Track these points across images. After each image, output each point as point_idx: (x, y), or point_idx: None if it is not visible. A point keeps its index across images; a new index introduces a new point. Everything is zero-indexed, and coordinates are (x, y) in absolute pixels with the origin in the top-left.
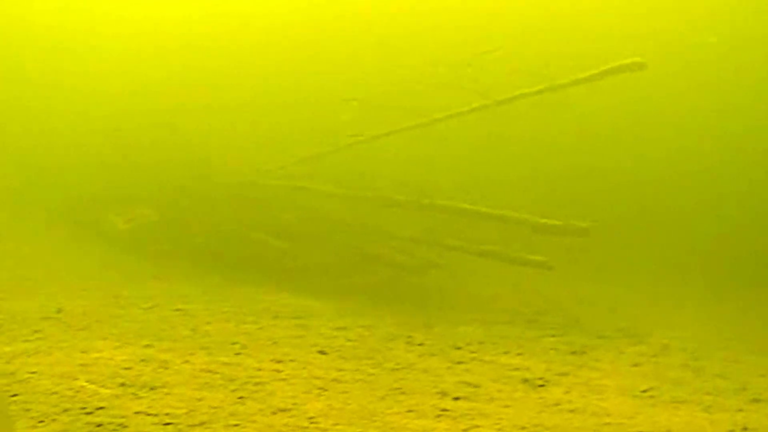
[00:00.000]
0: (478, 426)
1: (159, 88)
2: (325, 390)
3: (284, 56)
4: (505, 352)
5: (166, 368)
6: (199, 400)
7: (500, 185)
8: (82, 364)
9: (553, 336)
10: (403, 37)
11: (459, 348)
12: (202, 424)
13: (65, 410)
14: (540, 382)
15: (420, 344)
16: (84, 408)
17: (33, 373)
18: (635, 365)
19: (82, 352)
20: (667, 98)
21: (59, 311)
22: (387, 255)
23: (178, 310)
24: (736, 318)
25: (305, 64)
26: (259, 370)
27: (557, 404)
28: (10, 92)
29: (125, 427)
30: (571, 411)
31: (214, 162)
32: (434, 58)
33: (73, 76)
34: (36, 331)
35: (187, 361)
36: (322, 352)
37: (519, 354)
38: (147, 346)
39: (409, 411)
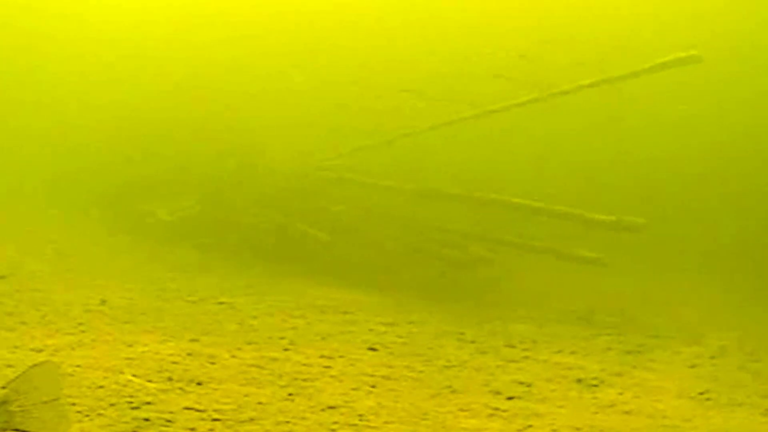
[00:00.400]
0: (531, 426)
1: (209, 76)
2: (375, 387)
3: (339, 45)
4: (559, 351)
5: (213, 363)
6: (247, 396)
7: (553, 179)
8: (127, 358)
9: (608, 335)
10: (459, 28)
11: (511, 346)
12: (251, 420)
13: (112, 404)
14: (594, 382)
15: (472, 342)
16: (131, 402)
17: (78, 366)
18: (692, 366)
19: (128, 345)
20: (723, 92)
21: (103, 303)
22: (437, 249)
23: (223, 303)
24: None
25: (360, 54)
26: (308, 365)
27: (612, 405)
28: (55, 82)
29: (172, 422)
30: (626, 412)
31: (263, 152)
32: (489, 49)
33: (121, 65)
34: (80, 324)
35: (234, 356)
36: (371, 349)
37: (572, 353)
38: (193, 340)
39: (461, 410)
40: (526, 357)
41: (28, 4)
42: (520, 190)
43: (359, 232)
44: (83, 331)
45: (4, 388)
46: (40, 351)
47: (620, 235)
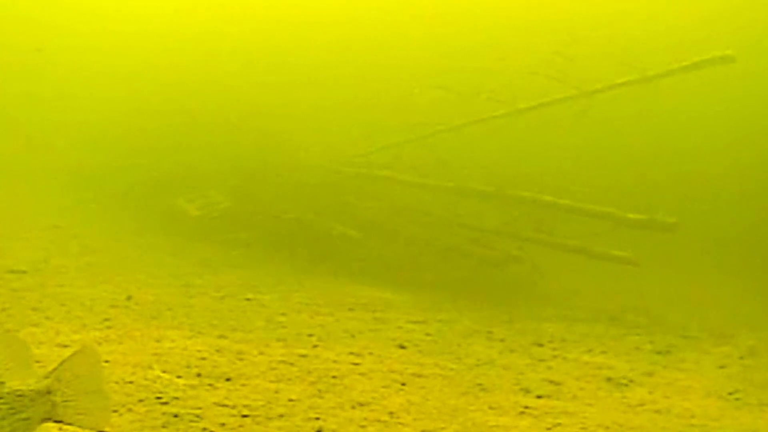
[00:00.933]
0: (560, 424)
1: (240, 71)
2: (405, 385)
3: (375, 41)
4: (588, 351)
5: (242, 359)
6: (277, 392)
7: (585, 177)
8: (155, 354)
9: (637, 335)
10: (495, 25)
11: (541, 345)
12: (280, 416)
13: (141, 400)
14: (624, 382)
15: (501, 340)
16: (160, 398)
17: (106, 362)
18: (721, 367)
19: (155, 341)
20: (757, 92)
21: (129, 299)
22: (467, 247)
23: (250, 299)
24: None
25: (396, 51)
26: (337, 363)
27: (641, 404)
28: (83, 76)
29: (202, 417)
30: (656, 411)
31: (293, 148)
32: (525, 46)
33: (151, 60)
34: (105, 320)
35: (262, 353)
36: (401, 347)
37: (602, 352)
38: (221, 336)
39: (491, 408)
40: (556, 356)
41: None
42: (552, 188)
43: (389, 229)
44: (109, 327)
45: (47, 377)
46: (66, 346)
47: (652, 235)
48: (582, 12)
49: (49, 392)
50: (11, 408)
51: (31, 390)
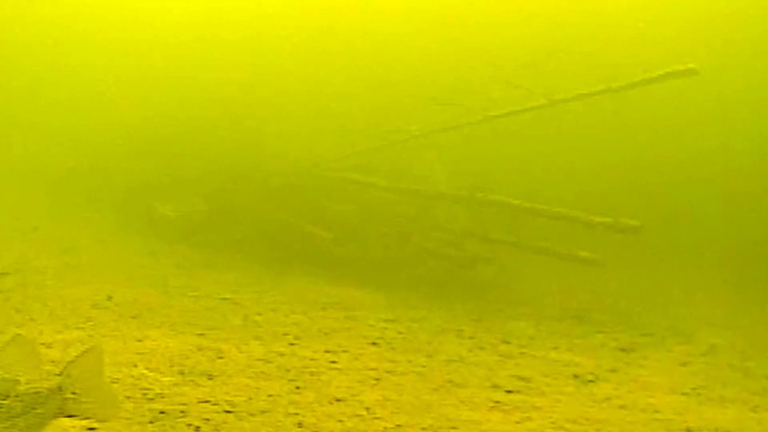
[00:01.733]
0: (530, 418)
1: (215, 77)
2: (379, 381)
3: (348, 50)
4: (555, 348)
5: (222, 357)
6: (257, 389)
7: (553, 182)
8: (138, 353)
9: (602, 333)
10: (467, 36)
11: (509, 343)
12: (262, 412)
13: (128, 397)
14: (590, 378)
15: (470, 338)
16: (146, 395)
17: None
18: (683, 364)
19: (137, 340)
20: (717, 102)
21: (110, 299)
22: (437, 249)
23: (227, 299)
24: None
25: (369, 59)
26: (314, 360)
27: (607, 399)
28: (63, 81)
29: (187, 414)
30: (621, 406)
31: (268, 151)
32: (497, 56)
33: (129, 65)
34: (88, 319)
35: (241, 351)
36: (373, 344)
37: (569, 350)
38: (200, 335)
39: (463, 403)
40: (523, 353)
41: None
42: (521, 192)
43: (362, 231)
44: (92, 327)
45: (59, 375)
46: (50, 346)
47: (617, 237)
48: (552, 26)
49: (60, 389)
50: (27, 405)
51: (45, 387)
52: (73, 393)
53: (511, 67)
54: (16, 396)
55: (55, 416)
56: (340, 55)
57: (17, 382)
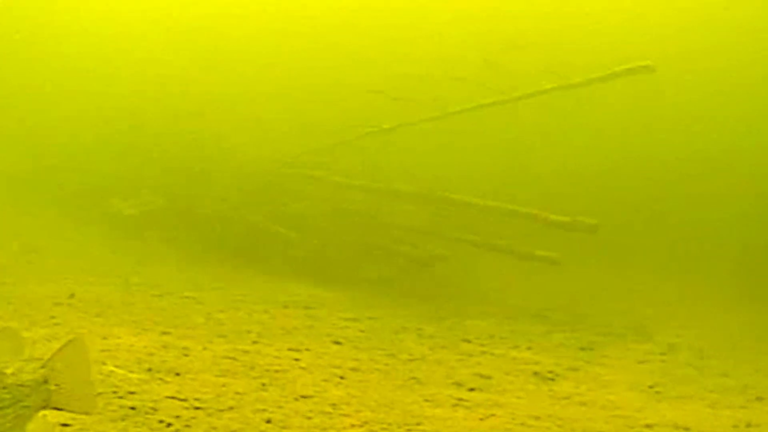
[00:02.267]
0: (493, 415)
1: (177, 74)
2: (344, 378)
3: (306, 46)
4: (515, 347)
5: (187, 355)
6: (224, 386)
7: (511, 180)
8: (104, 350)
9: (562, 332)
10: (424, 32)
11: (469, 341)
12: (230, 408)
13: (98, 394)
14: (550, 376)
15: (431, 336)
16: (116, 392)
17: None
18: (642, 362)
19: (102, 338)
20: (674, 100)
21: (72, 296)
22: (396, 247)
23: (188, 297)
24: (743, 318)
25: (327, 55)
26: (278, 358)
27: (568, 397)
28: (21, 78)
29: (157, 410)
30: (582, 404)
31: (228, 148)
32: (453, 52)
33: (88, 62)
34: (52, 317)
35: (206, 348)
36: (336, 342)
37: (528, 348)
38: (164, 333)
39: (426, 400)
40: (484, 352)
41: None
42: (479, 190)
43: (321, 228)
44: (57, 324)
45: (42, 367)
46: None
47: (575, 236)
48: (509, 21)
49: (45, 381)
50: (14, 397)
51: (31, 380)
52: (57, 385)
53: (468, 63)
54: (4, 388)
55: (41, 408)
56: (298, 53)
57: (4, 374)
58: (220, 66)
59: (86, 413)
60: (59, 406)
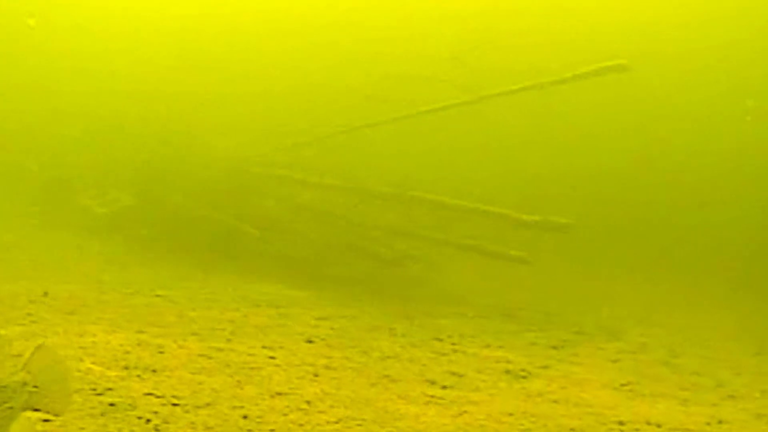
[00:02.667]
0: (467, 412)
1: (146, 72)
2: (318, 376)
3: (270, 46)
4: (486, 345)
5: (162, 352)
6: (200, 383)
7: (481, 180)
8: (81, 347)
9: (532, 331)
10: (391, 30)
11: (441, 340)
12: (207, 405)
13: (77, 391)
14: (522, 374)
15: (403, 335)
16: (94, 389)
17: None
18: (614, 361)
19: (78, 335)
20: (647, 99)
21: (46, 295)
22: (366, 246)
23: (160, 296)
24: (713, 318)
25: (296, 55)
26: (252, 356)
27: (540, 395)
28: None
29: (136, 407)
30: (554, 401)
31: (196, 147)
32: (423, 51)
33: (60, 60)
34: (28, 315)
35: (181, 346)
36: (309, 341)
37: (500, 347)
38: (139, 331)
39: (400, 397)
40: (456, 350)
41: None
42: (448, 189)
43: (290, 228)
44: (33, 322)
45: (22, 370)
46: None
47: (546, 235)
48: (479, 20)
49: (25, 383)
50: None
51: (13, 382)
52: (35, 387)
53: (438, 62)
54: None
55: (23, 410)
56: (266, 51)
57: None
58: (190, 66)
59: (62, 413)
60: (37, 407)
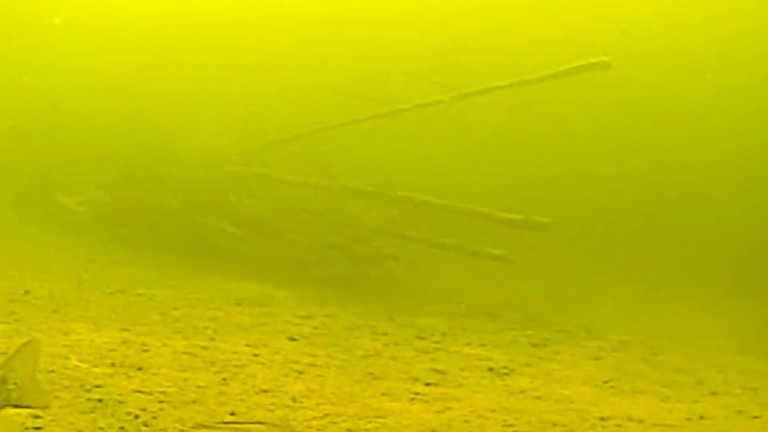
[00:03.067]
0: (451, 408)
1: (123, 71)
2: (302, 373)
3: (249, 43)
4: (468, 344)
5: (147, 350)
6: (186, 380)
7: (463, 178)
8: (66, 345)
9: (513, 329)
10: (372, 26)
11: (423, 338)
12: (194, 402)
13: (65, 387)
14: (504, 371)
15: (384, 334)
16: (82, 385)
17: None
18: (595, 359)
19: (63, 333)
20: (629, 97)
21: (27, 293)
22: (346, 245)
23: (141, 294)
24: (693, 316)
25: (276, 51)
26: (236, 353)
27: (523, 392)
28: None
29: (124, 403)
30: (537, 398)
31: (174, 145)
32: (403, 47)
33: (37, 58)
34: (12, 313)
35: (165, 345)
36: (291, 339)
37: (481, 345)
38: (123, 329)
39: (384, 394)
40: (438, 348)
41: None
42: (429, 187)
43: (269, 226)
44: (17, 320)
45: (2, 368)
46: None
47: (527, 234)
48: (461, 16)
49: (4, 381)
50: None
51: None
52: (14, 384)
53: (419, 58)
54: None
55: (3, 407)
56: (245, 48)
57: None
58: (168, 63)
59: (44, 407)
60: (18, 403)
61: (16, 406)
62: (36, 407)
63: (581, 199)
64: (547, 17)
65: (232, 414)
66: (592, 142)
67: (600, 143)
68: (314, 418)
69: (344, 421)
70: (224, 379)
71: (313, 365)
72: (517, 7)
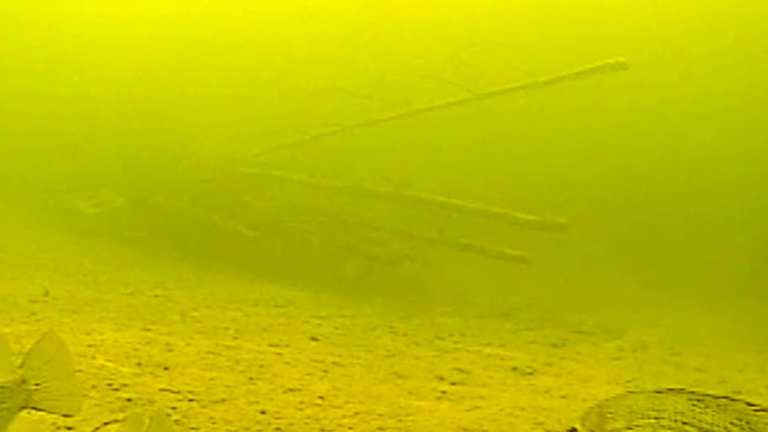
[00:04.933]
0: (479, 407)
1: (138, 74)
2: (327, 372)
3: (265, 45)
4: (488, 344)
5: (171, 350)
6: (213, 379)
7: (480, 178)
8: (90, 345)
9: (531, 330)
10: (389, 28)
11: (442, 338)
12: (223, 401)
13: (93, 386)
14: (528, 371)
15: (404, 334)
16: (110, 384)
17: None
18: (616, 359)
19: (86, 333)
20: (648, 98)
21: (46, 294)
22: (362, 246)
23: (159, 296)
24: (710, 316)
25: (293, 52)
26: (260, 353)
27: (548, 390)
28: None
29: (153, 402)
30: (563, 396)
31: (189, 147)
32: (421, 49)
33: (53, 61)
34: (32, 314)
35: (189, 344)
36: (313, 339)
37: (501, 345)
38: (145, 329)
39: (411, 393)
40: (458, 348)
41: None
42: (447, 188)
43: (285, 228)
44: (38, 320)
45: (20, 367)
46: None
47: (544, 235)
48: (478, 18)
49: (23, 382)
50: None
51: (9, 381)
52: (37, 384)
53: (436, 60)
54: None
55: (20, 409)
56: (260, 49)
57: None
58: (181, 65)
59: (69, 414)
60: (40, 407)
61: (40, 410)
62: (60, 413)
63: (600, 199)
64: (562, 19)
65: (263, 413)
66: (610, 142)
67: (618, 143)
68: (344, 416)
69: (374, 419)
70: (251, 378)
71: (338, 365)
72: (533, 8)
